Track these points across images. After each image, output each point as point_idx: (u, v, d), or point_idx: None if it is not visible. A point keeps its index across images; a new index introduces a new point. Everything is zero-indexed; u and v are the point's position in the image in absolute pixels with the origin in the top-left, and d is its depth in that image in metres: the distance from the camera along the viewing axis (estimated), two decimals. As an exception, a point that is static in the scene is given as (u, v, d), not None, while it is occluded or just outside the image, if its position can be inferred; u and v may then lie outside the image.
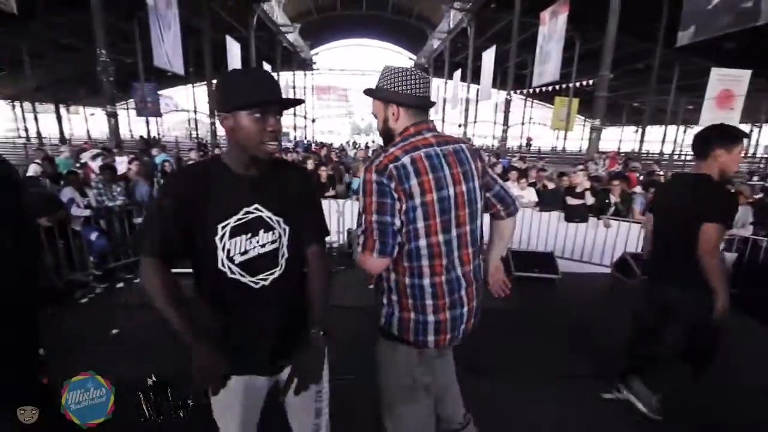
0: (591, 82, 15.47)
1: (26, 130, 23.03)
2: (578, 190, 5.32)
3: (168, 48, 12.41)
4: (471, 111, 25.24)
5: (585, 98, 22.39)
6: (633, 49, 20.55)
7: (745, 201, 4.75)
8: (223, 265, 1.04)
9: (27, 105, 21.02)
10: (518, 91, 21.07)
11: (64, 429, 1.07)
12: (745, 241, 4.38)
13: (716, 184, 1.90)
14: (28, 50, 16.47)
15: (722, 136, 1.89)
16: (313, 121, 36.50)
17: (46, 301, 3.55)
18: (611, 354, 2.83)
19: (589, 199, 5.22)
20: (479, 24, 20.91)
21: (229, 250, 1.04)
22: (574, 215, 5.27)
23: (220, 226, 1.02)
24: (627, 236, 5.01)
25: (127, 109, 27.21)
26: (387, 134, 1.33)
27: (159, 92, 19.31)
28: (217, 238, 1.02)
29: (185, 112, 31.01)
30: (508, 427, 2.08)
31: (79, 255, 4.20)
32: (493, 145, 29.07)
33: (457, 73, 25.19)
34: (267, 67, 24.65)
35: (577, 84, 18.46)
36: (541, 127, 36.37)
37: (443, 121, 29.20)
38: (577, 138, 33.91)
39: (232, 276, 1.05)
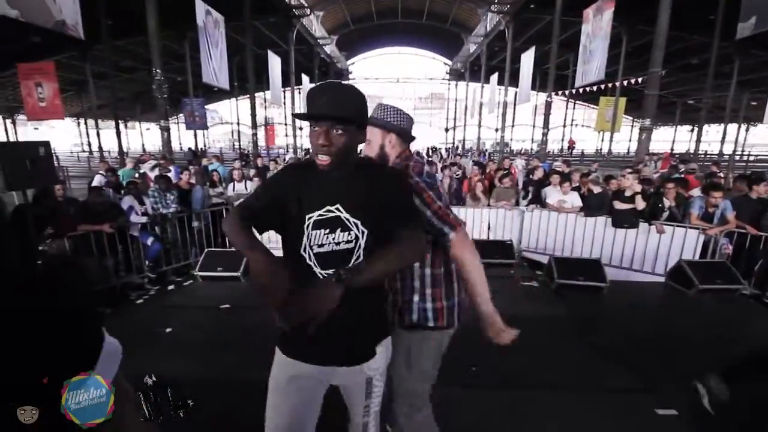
0: (639, 80, 14.65)
1: (89, 144, 25.17)
2: (627, 193, 5.03)
3: (215, 65, 13.17)
4: (508, 115, 24.65)
5: (632, 97, 21.24)
6: (685, 43, 19.27)
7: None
8: (304, 250, 1.15)
9: (90, 122, 22.96)
10: (559, 93, 20.38)
11: (64, 429, 1.10)
12: None
13: None
14: (92, 72, 18.03)
15: None
16: (349, 129, 37.10)
17: (105, 301, 3.84)
18: (666, 367, 2.65)
19: (640, 204, 4.91)
20: (517, 26, 20.45)
21: (311, 239, 1.14)
22: (623, 220, 4.98)
23: (307, 217, 1.14)
24: (683, 243, 4.67)
25: (177, 123, 29.02)
26: (381, 158, 1.53)
27: (205, 107, 20.46)
28: (305, 226, 1.14)
29: (229, 125, 32.60)
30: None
31: (137, 259, 4.51)
32: (531, 149, 28.21)
33: (494, 77, 24.75)
34: (305, 78, 25.47)
35: (624, 83, 17.52)
36: (583, 129, 34.88)
37: (479, 125, 28.70)
38: (623, 140, 32.19)
39: (309, 263, 1.15)
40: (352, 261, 1.15)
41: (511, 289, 4.01)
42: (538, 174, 6.70)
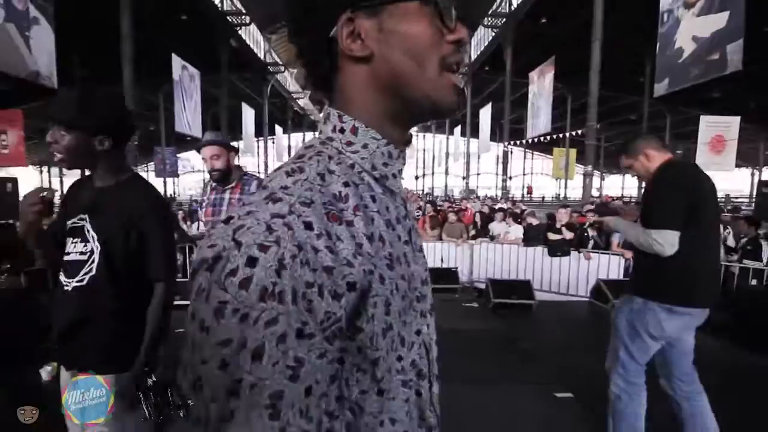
0: (581, 132, 16.30)
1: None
2: (558, 225, 5.63)
3: (189, 115, 13.70)
4: (473, 164, 26.25)
5: (581, 148, 23.29)
6: (623, 101, 21.75)
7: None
8: (63, 257, 1.17)
9: (54, 169, 22.66)
10: (517, 143, 22.13)
11: (64, 429, 1.11)
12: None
13: None
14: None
15: None
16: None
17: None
18: (574, 363, 3.03)
19: (567, 234, 5.51)
20: (475, 84, 22.51)
21: (66, 246, 1.17)
22: (556, 250, 5.53)
23: (67, 223, 1.18)
24: (608, 267, 5.22)
25: (147, 171, 28.99)
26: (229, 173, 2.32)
27: (177, 155, 20.75)
28: (65, 232, 1.18)
29: (200, 173, 32.76)
30: (481, 420, 2.27)
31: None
32: (496, 195, 29.80)
33: (458, 129, 26.63)
34: (279, 129, 26.47)
35: (573, 134, 19.36)
36: (543, 176, 37.31)
37: (446, 173, 30.25)
38: (578, 186, 34.55)
39: (61, 270, 1.18)
40: (83, 274, 1.12)
41: (454, 309, 4.35)
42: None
